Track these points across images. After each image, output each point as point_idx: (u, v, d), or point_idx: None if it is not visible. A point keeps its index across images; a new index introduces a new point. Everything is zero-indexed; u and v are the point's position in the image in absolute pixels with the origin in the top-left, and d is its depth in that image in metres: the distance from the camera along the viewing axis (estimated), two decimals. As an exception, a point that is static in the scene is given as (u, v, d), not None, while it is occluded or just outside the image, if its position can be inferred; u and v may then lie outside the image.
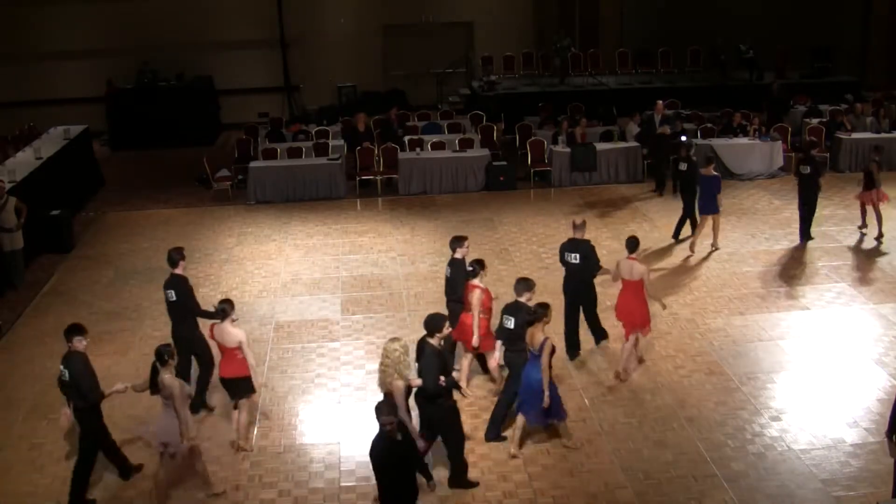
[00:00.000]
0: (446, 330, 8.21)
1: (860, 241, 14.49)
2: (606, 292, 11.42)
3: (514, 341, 9.01)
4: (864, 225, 14.90)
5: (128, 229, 16.36)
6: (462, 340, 9.96)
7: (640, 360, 10.58)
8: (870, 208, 14.61)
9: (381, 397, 7.80)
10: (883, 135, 18.54)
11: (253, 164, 18.12)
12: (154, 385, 7.94)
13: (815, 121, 19.63)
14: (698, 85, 23.14)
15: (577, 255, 10.53)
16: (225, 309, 8.84)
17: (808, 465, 8.57)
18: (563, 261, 10.77)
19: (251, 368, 8.82)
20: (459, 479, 8.37)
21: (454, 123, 20.62)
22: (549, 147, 18.59)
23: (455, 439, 8.31)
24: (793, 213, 15.64)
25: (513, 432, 8.93)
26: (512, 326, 8.99)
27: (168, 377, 7.90)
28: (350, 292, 13.03)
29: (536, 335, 8.54)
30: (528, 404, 8.69)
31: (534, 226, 15.60)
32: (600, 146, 18.28)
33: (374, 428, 9.36)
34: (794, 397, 9.80)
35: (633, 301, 10.08)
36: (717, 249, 14.15)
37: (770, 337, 11.19)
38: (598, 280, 10.82)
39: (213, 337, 9.01)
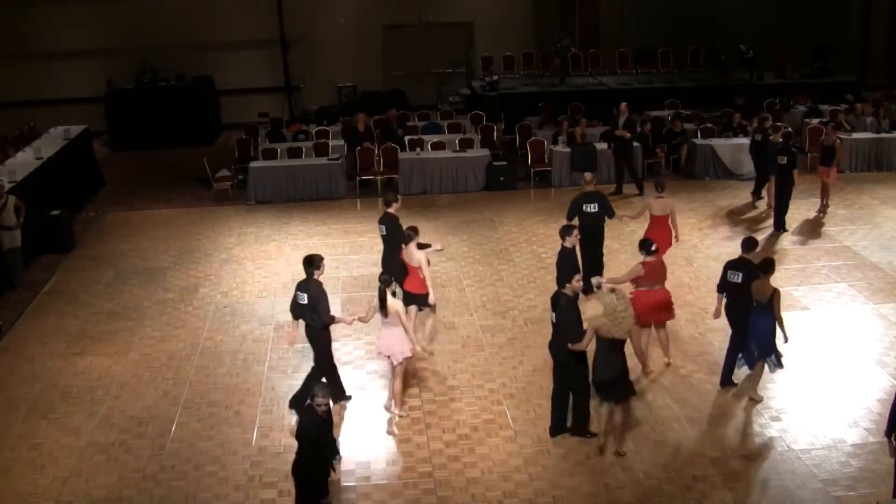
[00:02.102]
0: (577, 283, 8.79)
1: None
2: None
3: (738, 295, 9.73)
4: (826, 205, 15.82)
5: (128, 229, 16.36)
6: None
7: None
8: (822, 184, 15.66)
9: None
10: (883, 135, 18.56)
11: (253, 164, 18.12)
12: (384, 307, 9.30)
13: (815, 121, 19.62)
14: (698, 85, 23.12)
15: (596, 205, 12.19)
16: (411, 234, 10.70)
17: (808, 465, 8.57)
18: (579, 212, 12.17)
19: (427, 286, 10.56)
20: (581, 427, 9.03)
21: (454, 123, 20.61)
22: (549, 147, 18.58)
23: (585, 386, 8.89)
24: (792, 213, 15.68)
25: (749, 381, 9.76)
26: (739, 280, 9.73)
27: (391, 299, 9.41)
28: (350, 292, 13.03)
29: (766, 287, 9.35)
30: (761, 350, 9.39)
31: (534, 226, 15.59)
32: (600, 146, 18.27)
33: (374, 428, 9.41)
34: (794, 397, 9.80)
35: (661, 232, 12.11)
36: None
37: (770, 337, 11.18)
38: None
39: (402, 257, 10.68)
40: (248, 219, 16.70)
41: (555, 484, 8.39)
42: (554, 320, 8.83)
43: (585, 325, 8.66)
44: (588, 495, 8.23)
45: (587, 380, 8.86)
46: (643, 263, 10.09)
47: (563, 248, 10.42)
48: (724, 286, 10.00)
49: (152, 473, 8.75)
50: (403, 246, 10.76)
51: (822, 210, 15.78)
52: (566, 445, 8.98)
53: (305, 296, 9.58)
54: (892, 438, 7.32)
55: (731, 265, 10.00)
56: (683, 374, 10.38)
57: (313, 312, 9.52)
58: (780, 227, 14.96)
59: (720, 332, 11.33)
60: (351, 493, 8.36)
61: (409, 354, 9.60)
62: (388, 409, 9.75)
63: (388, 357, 9.54)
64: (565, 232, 10.48)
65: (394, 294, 9.64)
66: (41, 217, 14.77)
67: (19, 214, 13.49)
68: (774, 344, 9.40)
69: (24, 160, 16.51)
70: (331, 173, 17.89)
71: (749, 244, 10.15)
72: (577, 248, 10.83)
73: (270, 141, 19.52)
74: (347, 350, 11.20)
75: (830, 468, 8.52)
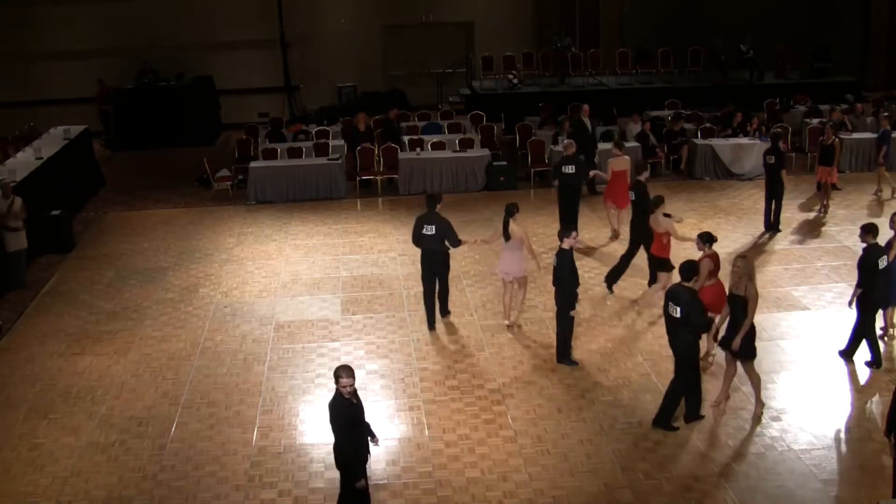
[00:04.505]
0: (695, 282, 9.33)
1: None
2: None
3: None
4: (827, 205, 15.86)
5: (128, 229, 16.36)
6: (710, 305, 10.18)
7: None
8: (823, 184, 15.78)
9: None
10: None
11: (253, 164, 18.12)
12: (507, 232, 11.02)
13: (815, 121, 19.62)
14: (698, 85, 23.13)
15: (573, 167, 14.26)
16: (657, 202, 11.59)
17: (808, 465, 8.57)
18: (559, 174, 14.38)
19: (667, 251, 11.59)
20: (666, 419, 9.23)
21: (454, 123, 20.61)
22: (549, 147, 18.59)
23: (689, 379, 9.13)
24: (793, 213, 15.76)
25: None
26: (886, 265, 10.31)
27: (515, 226, 11.02)
28: (350, 292, 13.04)
29: None
30: None
31: (534, 226, 15.57)
32: (600, 146, 18.25)
33: (374, 427, 9.41)
34: (794, 397, 9.80)
35: (623, 186, 14.05)
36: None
37: (770, 337, 11.18)
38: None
39: (650, 221, 11.69)
40: (248, 219, 16.70)
41: (555, 484, 8.39)
42: (678, 314, 8.87)
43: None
44: (588, 495, 8.23)
45: (695, 373, 9.17)
46: (709, 256, 10.27)
47: (562, 249, 10.44)
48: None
49: (152, 473, 8.75)
50: (650, 212, 11.76)
51: (823, 210, 15.78)
52: (566, 445, 8.99)
53: (433, 227, 11.28)
54: (892, 438, 7.32)
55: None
56: (683, 374, 10.37)
57: (439, 241, 11.27)
58: (772, 227, 14.95)
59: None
60: (351, 493, 8.35)
61: (526, 275, 11.33)
62: (511, 323, 11.55)
63: (508, 275, 11.24)
64: (564, 234, 10.52)
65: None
66: (41, 217, 14.77)
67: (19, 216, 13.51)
68: None
69: (24, 160, 16.53)
70: (331, 173, 17.89)
71: (870, 229, 10.27)
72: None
73: (270, 141, 19.53)
74: (348, 350, 11.20)
75: (830, 468, 8.52)
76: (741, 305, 9.10)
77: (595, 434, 9.18)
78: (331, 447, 9.01)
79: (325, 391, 10.15)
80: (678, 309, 8.86)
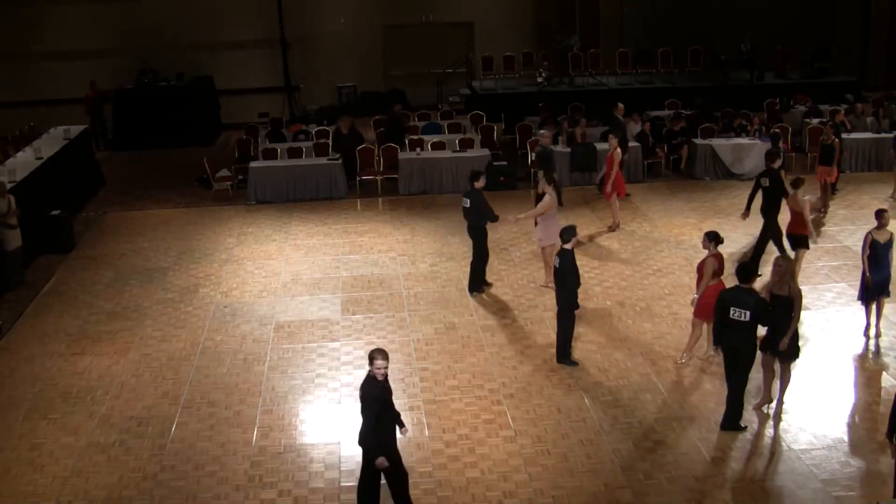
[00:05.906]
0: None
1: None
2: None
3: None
4: (827, 205, 15.94)
5: (128, 229, 16.36)
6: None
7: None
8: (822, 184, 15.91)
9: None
10: (883, 135, 18.56)
11: (253, 164, 18.13)
12: (561, 202, 12.79)
13: (815, 121, 19.62)
14: (698, 85, 23.11)
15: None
16: (796, 182, 12.29)
17: (808, 465, 8.57)
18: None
19: (809, 227, 12.30)
20: (732, 421, 9.15)
21: (454, 123, 20.62)
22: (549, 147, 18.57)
23: (744, 379, 9.08)
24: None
25: None
26: None
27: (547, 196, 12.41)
28: (350, 292, 13.04)
29: None
30: None
31: (533, 226, 15.57)
32: (600, 146, 18.25)
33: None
34: (794, 397, 9.79)
35: (619, 175, 15.18)
36: None
37: (770, 337, 11.17)
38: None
39: (789, 202, 12.40)
40: (248, 219, 16.71)
41: (555, 484, 8.39)
42: (746, 318, 8.76)
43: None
44: (588, 495, 8.23)
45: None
46: (714, 256, 10.29)
47: (563, 249, 10.42)
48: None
49: (152, 473, 8.75)
50: (788, 194, 12.47)
51: (823, 210, 15.79)
52: (566, 445, 8.99)
53: (468, 200, 12.34)
54: (893, 440, 7.32)
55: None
56: (683, 374, 10.38)
57: (474, 213, 12.33)
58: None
59: (720, 332, 11.35)
60: (351, 494, 8.33)
61: (553, 243, 11.93)
62: (545, 285, 12.59)
63: (550, 243, 12.17)
64: (566, 234, 10.51)
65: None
66: (41, 217, 14.77)
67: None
68: None
69: (24, 160, 16.52)
70: (331, 173, 17.90)
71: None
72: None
73: (270, 141, 19.53)
74: (348, 350, 11.20)
75: (830, 468, 8.52)
76: (782, 306, 9.08)
77: (595, 434, 9.18)
78: (331, 447, 9.11)
79: (326, 391, 10.17)
80: (747, 313, 8.74)
